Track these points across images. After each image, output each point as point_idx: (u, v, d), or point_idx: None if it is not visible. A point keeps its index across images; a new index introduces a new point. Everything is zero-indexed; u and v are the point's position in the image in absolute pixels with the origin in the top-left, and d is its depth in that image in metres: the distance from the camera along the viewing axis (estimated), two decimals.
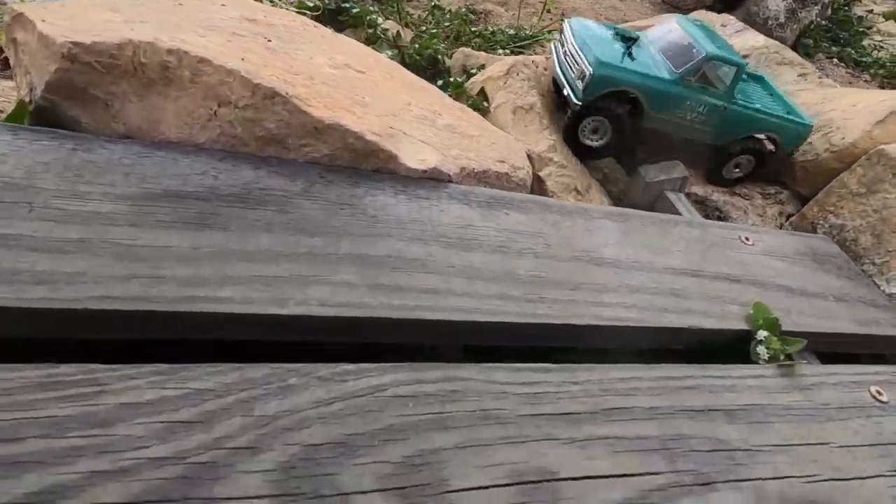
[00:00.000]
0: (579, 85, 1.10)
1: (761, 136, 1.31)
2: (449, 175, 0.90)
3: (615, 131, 1.14)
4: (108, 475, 0.46)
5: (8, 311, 0.54)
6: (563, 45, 1.23)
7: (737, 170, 1.38)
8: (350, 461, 0.53)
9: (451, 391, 0.62)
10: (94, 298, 0.57)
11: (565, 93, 1.15)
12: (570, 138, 1.21)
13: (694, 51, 1.15)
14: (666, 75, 1.14)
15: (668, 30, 1.29)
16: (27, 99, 0.76)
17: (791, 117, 1.30)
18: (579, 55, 1.12)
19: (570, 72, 1.16)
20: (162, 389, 0.53)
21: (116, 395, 0.51)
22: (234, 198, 0.73)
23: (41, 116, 0.75)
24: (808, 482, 0.66)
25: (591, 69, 1.07)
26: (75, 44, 0.68)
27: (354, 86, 0.94)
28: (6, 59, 1.00)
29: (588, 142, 1.17)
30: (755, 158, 1.35)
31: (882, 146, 1.17)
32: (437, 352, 0.73)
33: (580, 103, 1.11)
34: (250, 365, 0.57)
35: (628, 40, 1.21)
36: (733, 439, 0.68)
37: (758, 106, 1.27)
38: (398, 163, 0.85)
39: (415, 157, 0.87)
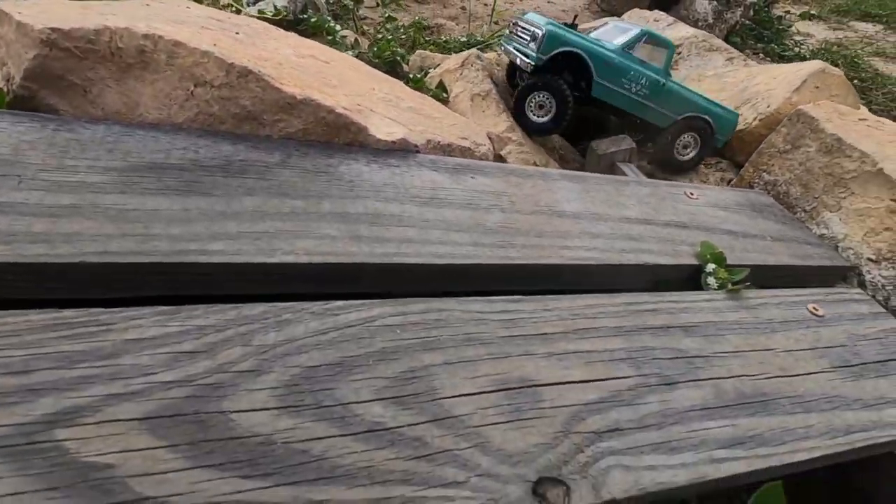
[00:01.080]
0: (533, 46, 1.18)
1: (702, 117, 1.42)
2: (416, 146, 0.97)
3: (559, 107, 1.23)
4: (121, 397, 0.49)
5: (7, 267, 0.57)
6: (513, 30, 1.33)
7: (686, 150, 1.48)
8: (347, 378, 0.57)
9: (435, 319, 0.67)
10: (91, 254, 0.60)
11: (518, 61, 1.22)
12: (519, 114, 1.30)
13: (631, 28, 1.27)
14: (610, 46, 1.25)
15: (604, 23, 1.42)
16: (4, 90, 0.79)
17: (721, 105, 1.43)
18: (530, 25, 1.21)
19: (523, 40, 1.24)
20: (164, 327, 0.56)
21: (121, 333, 0.54)
22: (216, 168, 0.77)
23: (19, 106, 0.78)
24: (758, 379, 0.74)
25: (543, 29, 1.15)
26: (54, 29, 0.72)
27: (321, 71, 1.01)
28: None
29: (534, 118, 1.26)
30: (699, 136, 1.45)
31: (800, 107, 1.31)
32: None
33: (534, 63, 1.18)
34: (247, 304, 0.61)
35: (572, 25, 1.32)
36: (691, 349, 0.76)
37: (692, 88, 1.40)
38: (368, 135, 0.91)
39: (383, 129, 0.93)
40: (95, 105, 0.79)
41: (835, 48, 4.38)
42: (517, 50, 1.26)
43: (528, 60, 1.18)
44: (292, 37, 1.24)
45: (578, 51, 1.18)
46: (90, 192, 0.67)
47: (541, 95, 1.22)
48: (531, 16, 1.28)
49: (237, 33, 0.95)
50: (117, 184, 0.69)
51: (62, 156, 0.70)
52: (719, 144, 1.45)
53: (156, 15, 0.92)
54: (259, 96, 0.81)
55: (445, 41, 2.40)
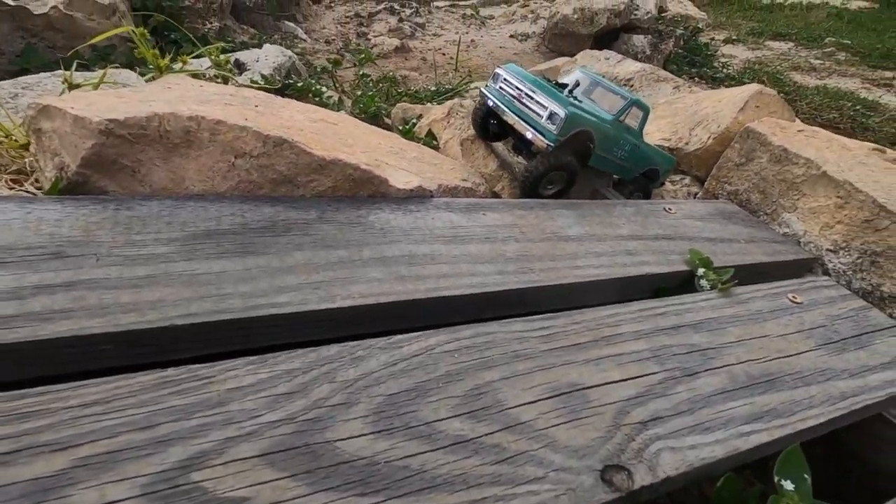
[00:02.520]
0: (551, 127, 1.11)
1: (655, 168, 1.44)
2: (431, 192, 1.07)
3: (568, 180, 1.24)
4: (238, 438, 0.55)
5: (106, 337, 0.62)
6: (506, 89, 1.25)
7: (635, 194, 1.53)
8: (424, 400, 0.65)
9: (484, 342, 0.76)
10: (177, 317, 0.66)
11: (529, 135, 1.14)
12: (531, 190, 1.22)
13: (620, 95, 1.30)
14: (607, 118, 1.23)
15: (578, 78, 1.50)
16: (59, 177, 0.85)
17: (663, 154, 1.45)
18: (544, 99, 1.13)
19: (536, 115, 1.15)
20: (257, 374, 0.63)
21: (222, 384, 0.61)
22: (264, 229, 0.85)
23: (71, 191, 0.84)
24: (762, 362, 0.86)
25: (563, 112, 1.10)
26: (111, 120, 0.80)
27: (336, 132, 1.11)
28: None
29: (545, 191, 1.25)
30: (649, 183, 1.49)
31: (748, 125, 1.50)
32: None
33: (552, 144, 1.12)
34: (322, 346, 0.68)
35: (563, 86, 1.27)
36: (702, 343, 0.87)
37: (650, 144, 1.46)
38: (389, 186, 1.01)
39: (401, 180, 1.04)
40: (143, 183, 0.86)
41: (757, 66, 4.86)
42: (525, 120, 1.18)
43: (545, 141, 1.12)
44: (294, 103, 1.35)
45: (590, 129, 1.16)
46: (161, 262, 0.73)
47: (555, 174, 1.22)
48: (522, 76, 1.21)
49: (256, 106, 1.04)
50: (182, 252, 0.76)
51: (128, 232, 0.76)
52: (658, 187, 1.57)
53: (183, 97, 1.01)
54: (293, 161, 0.90)
55: (416, 91, 2.57)
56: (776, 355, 0.88)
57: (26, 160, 1.24)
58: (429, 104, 2.38)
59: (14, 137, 1.27)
